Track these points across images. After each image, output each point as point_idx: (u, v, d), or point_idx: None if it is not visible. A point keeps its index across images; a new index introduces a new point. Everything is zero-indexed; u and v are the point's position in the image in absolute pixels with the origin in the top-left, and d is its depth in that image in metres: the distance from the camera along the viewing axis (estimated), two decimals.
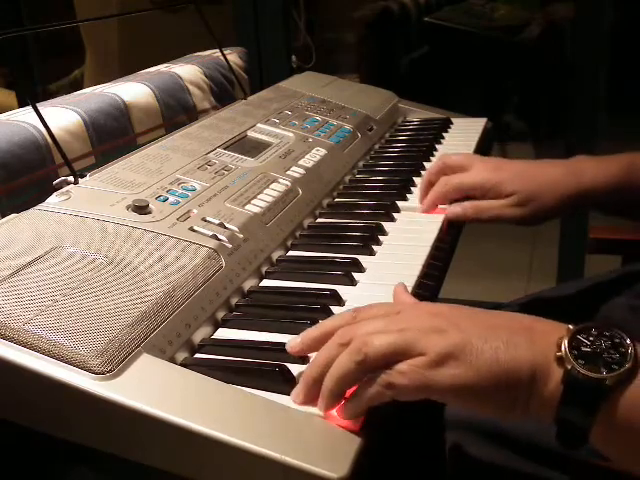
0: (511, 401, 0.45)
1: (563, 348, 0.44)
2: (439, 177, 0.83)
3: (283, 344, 0.54)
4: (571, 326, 0.45)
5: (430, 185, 0.83)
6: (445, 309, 0.49)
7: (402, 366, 0.45)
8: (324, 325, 0.51)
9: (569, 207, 0.78)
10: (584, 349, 0.44)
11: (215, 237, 0.64)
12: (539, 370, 0.44)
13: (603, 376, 0.42)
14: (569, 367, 0.43)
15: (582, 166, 0.78)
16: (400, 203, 0.84)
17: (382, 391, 0.45)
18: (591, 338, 0.44)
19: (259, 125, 0.95)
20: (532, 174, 0.79)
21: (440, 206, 0.82)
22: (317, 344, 0.50)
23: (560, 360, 0.44)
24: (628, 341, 0.44)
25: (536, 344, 0.45)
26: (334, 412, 0.47)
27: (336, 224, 0.80)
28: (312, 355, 0.53)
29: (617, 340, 0.44)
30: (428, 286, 0.66)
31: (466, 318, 0.48)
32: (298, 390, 0.48)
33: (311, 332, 0.51)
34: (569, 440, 0.44)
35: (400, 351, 0.45)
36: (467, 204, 0.80)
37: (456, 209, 0.80)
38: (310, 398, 0.48)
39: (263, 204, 0.73)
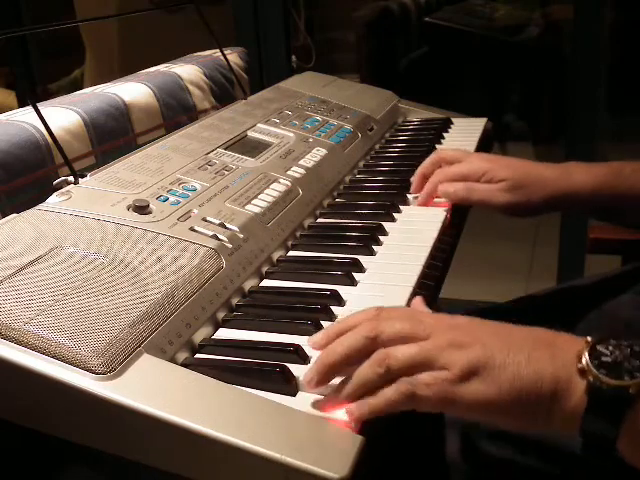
0: (533, 415, 0.45)
1: (584, 360, 0.44)
2: (433, 170, 0.85)
3: (283, 344, 0.55)
4: (589, 338, 0.46)
5: (424, 178, 0.85)
6: (463, 322, 0.50)
7: (427, 378, 0.46)
8: (349, 320, 0.51)
9: (555, 205, 0.80)
10: (604, 359, 0.44)
11: (215, 237, 0.64)
12: (561, 383, 0.44)
13: (626, 383, 0.42)
14: (591, 378, 0.43)
15: (572, 169, 0.80)
16: (400, 203, 0.84)
17: (404, 400, 0.46)
18: (610, 347, 0.45)
19: (259, 125, 0.95)
20: (524, 168, 0.81)
21: (436, 200, 0.83)
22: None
23: (582, 372, 0.44)
24: None
25: (557, 358, 0.45)
26: (341, 414, 0.47)
27: (336, 224, 0.80)
28: (313, 354, 0.53)
29: (637, 348, 0.44)
30: (428, 286, 0.66)
31: (487, 332, 0.48)
32: (312, 375, 0.49)
33: (336, 327, 0.51)
34: (596, 451, 0.45)
35: (422, 363, 0.46)
36: (459, 184, 0.81)
37: (447, 188, 0.82)
38: (323, 383, 0.49)
39: (263, 204, 0.73)
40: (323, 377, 0.48)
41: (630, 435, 0.43)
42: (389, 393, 0.46)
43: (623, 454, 0.44)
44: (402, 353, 0.46)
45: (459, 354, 0.46)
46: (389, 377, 0.46)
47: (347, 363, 0.48)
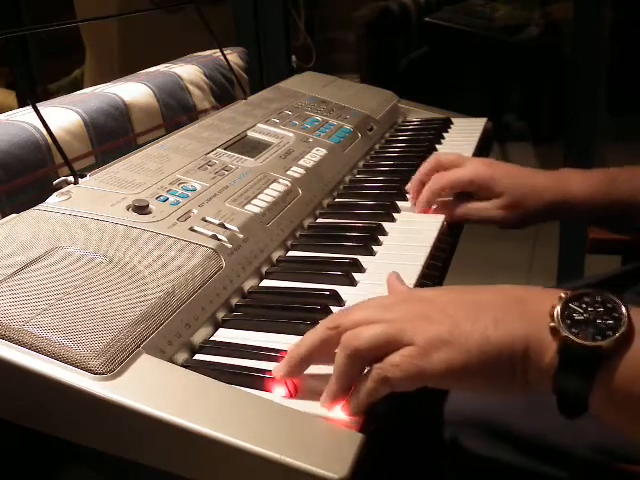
0: (508, 377, 0.45)
1: (556, 318, 0.44)
2: (431, 176, 0.83)
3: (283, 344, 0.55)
4: (563, 294, 0.45)
5: (421, 184, 0.83)
6: (433, 294, 0.50)
7: (394, 358, 0.46)
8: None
9: (552, 214, 0.81)
10: (577, 317, 0.44)
11: (215, 237, 0.64)
12: (533, 342, 0.44)
13: (598, 344, 0.42)
14: (563, 337, 0.43)
15: (568, 176, 0.80)
16: (400, 203, 0.84)
17: (378, 386, 0.46)
18: (584, 305, 0.44)
19: (259, 125, 0.95)
20: (522, 176, 0.80)
21: (434, 207, 0.82)
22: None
23: (554, 330, 0.44)
24: (622, 305, 0.44)
25: (528, 316, 0.45)
26: (338, 412, 0.48)
27: (336, 224, 0.80)
28: None
29: (610, 305, 0.44)
30: (428, 286, 0.66)
31: (453, 301, 0.48)
32: (281, 366, 0.50)
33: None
34: (570, 409, 0.44)
35: (389, 341, 0.46)
36: (456, 203, 0.81)
37: (445, 206, 0.81)
38: (292, 375, 0.50)
39: (263, 204, 0.73)
40: (291, 369, 0.49)
41: (602, 392, 0.43)
42: (365, 386, 0.47)
43: (595, 411, 0.44)
44: (365, 334, 0.47)
45: (424, 327, 0.46)
46: (359, 359, 0.47)
47: (315, 354, 0.49)
